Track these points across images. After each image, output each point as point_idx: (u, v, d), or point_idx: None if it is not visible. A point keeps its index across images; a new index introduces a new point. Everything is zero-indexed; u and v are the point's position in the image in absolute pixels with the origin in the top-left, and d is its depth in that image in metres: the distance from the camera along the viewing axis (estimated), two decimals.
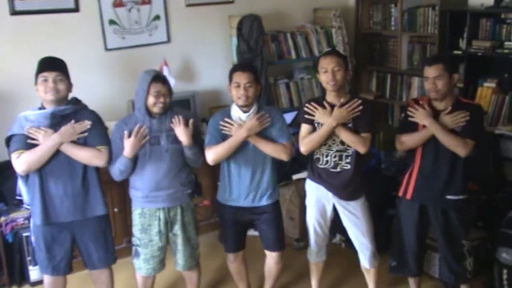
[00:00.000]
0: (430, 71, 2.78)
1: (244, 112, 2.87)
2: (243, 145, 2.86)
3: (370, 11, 4.87)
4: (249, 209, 2.98)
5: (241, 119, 2.86)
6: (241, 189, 2.94)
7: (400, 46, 4.63)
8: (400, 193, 3.03)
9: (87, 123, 2.70)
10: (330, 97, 2.88)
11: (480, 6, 3.99)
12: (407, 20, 4.49)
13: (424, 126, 2.84)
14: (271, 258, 3.11)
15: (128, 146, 2.73)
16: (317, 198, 3.01)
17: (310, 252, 3.15)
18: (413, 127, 2.89)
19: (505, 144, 3.72)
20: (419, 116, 2.84)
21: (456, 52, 4.07)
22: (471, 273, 3.00)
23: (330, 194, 2.96)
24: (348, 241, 3.20)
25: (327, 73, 2.79)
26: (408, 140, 2.90)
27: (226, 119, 2.87)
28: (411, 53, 4.60)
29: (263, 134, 2.87)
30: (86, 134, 2.71)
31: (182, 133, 2.79)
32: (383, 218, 3.70)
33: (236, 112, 2.89)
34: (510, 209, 3.21)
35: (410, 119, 2.88)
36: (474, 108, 2.87)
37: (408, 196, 2.97)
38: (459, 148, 2.76)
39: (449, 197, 2.88)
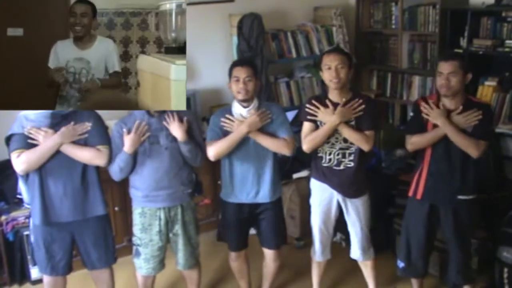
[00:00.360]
0: (445, 67, 2.74)
1: (245, 107, 2.87)
2: (244, 141, 2.86)
3: (370, 10, 4.87)
4: (250, 206, 2.99)
5: (242, 115, 2.87)
6: (243, 185, 2.95)
7: (401, 45, 4.63)
8: (410, 193, 3.00)
9: (87, 125, 2.72)
10: (333, 95, 2.88)
11: (481, 4, 3.98)
12: (407, 18, 4.49)
13: (434, 126, 2.82)
14: (267, 256, 3.12)
15: (128, 141, 2.74)
16: (322, 197, 3.02)
17: (315, 251, 3.14)
18: (422, 127, 2.87)
19: (506, 143, 3.72)
20: (433, 114, 2.81)
21: (457, 50, 4.06)
22: (475, 273, 2.99)
23: (334, 192, 2.97)
24: (348, 239, 3.21)
25: (331, 70, 2.79)
26: (419, 141, 2.87)
27: (227, 116, 2.88)
28: (411, 52, 4.60)
29: (264, 129, 2.88)
30: (86, 135, 2.72)
31: (176, 128, 2.79)
32: (383, 217, 3.71)
33: (237, 109, 2.90)
34: (510, 208, 3.21)
35: (424, 116, 2.84)
36: (485, 108, 2.84)
37: (418, 196, 2.95)
38: (471, 148, 2.74)
39: (460, 197, 2.87)
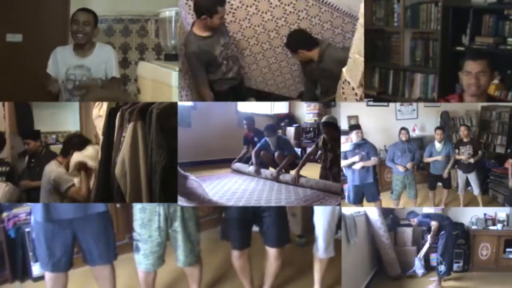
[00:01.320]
0: (474, 66, 2.69)
1: None
2: None
3: (372, 7, 4.85)
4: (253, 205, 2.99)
5: None
6: None
7: (403, 42, 4.62)
8: None
9: None
10: None
11: (483, 2, 3.97)
12: (409, 16, 4.48)
13: None
14: (270, 254, 3.12)
15: None
16: None
17: (318, 248, 3.14)
18: None
19: None
20: None
21: (459, 48, 4.06)
22: None
23: None
24: None
25: None
26: None
27: None
28: (413, 50, 4.59)
29: None
30: None
31: None
32: None
33: None
34: None
35: None
36: None
37: None
38: None
39: None
